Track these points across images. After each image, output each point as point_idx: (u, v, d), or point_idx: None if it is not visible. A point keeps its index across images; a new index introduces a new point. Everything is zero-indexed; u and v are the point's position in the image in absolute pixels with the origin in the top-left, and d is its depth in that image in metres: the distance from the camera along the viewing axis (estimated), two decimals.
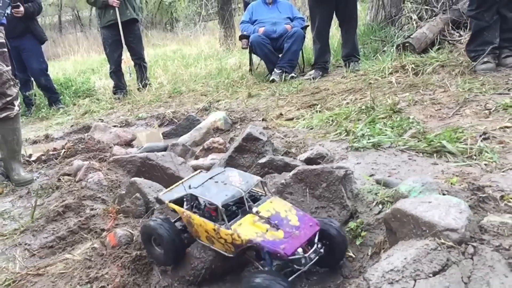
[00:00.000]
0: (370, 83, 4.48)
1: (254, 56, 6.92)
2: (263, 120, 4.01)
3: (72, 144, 3.89)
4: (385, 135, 2.67)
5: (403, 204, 1.51)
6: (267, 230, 1.56)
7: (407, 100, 3.53)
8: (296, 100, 4.60)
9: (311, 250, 1.57)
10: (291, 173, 2.06)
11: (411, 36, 5.73)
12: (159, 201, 1.84)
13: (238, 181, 1.76)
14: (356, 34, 6.04)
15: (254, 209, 1.66)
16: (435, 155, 2.28)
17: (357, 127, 2.88)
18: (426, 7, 6.72)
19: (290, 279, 1.52)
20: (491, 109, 2.97)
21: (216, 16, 13.65)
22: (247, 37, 6.70)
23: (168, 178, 2.97)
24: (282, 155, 2.74)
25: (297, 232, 1.57)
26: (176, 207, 1.80)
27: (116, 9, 6.83)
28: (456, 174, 1.97)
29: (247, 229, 1.58)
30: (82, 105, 6.92)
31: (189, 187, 1.76)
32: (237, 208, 1.74)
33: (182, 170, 3.06)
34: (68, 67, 12.46)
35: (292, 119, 3.88)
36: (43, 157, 3.88)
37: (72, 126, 5.45)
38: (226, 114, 4.17)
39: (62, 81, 8.25)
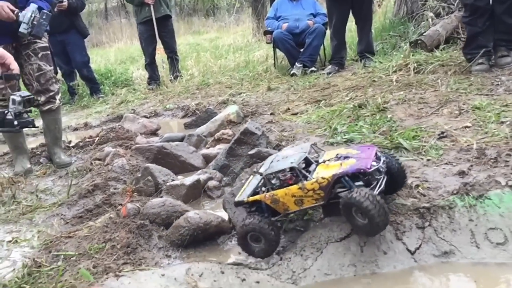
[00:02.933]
0: (374, 80, 4.86)
1: (278, 50, 7.35)
2: (271, 114, 4.48)
3: (105, 132, 4.51)
4: (361, 132, 3.10)
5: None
6: (341, 164, 1.89)
7: (398, 99, 3.90)
8: (307, 95, 5.03)
9: (382, 161, 1.94)
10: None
11: (424, 34, 6.01)
12: (238, 204, 2.05)
13: (294, 151, 2.13)
14: (371, 32, 6.39)
15: (321, 160, 2.04)
16: (393, 150, 2.70)
17: (340, 124, 3.33)
18: (444, 4, 6.94)
19: (378, 190, 1.79)
20: (463, 109, 3.34)
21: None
22: (271, 32, 7.14)
23: (180, 164, 3.52)
24: (273, 148, 3.23)
25: (363, 154, 1.96)
26: (257, 197, 1.98)
27: (151, 6, 7.40)
28: None
29: (325, 171, 1.90)
30: (120, 95, 7.58)
31: (261, 174, 2.02)
32: (307, 170, 2.02)
33: (193, 157, 3.60)
34: (110, 56, 13.24)
35: (296, 113, 4.32)
36: (80, 143, 4.50)
37: (108, 115, 6.09)
38: (239, 107, 4.67)
39: (103, 71, 8.95)
